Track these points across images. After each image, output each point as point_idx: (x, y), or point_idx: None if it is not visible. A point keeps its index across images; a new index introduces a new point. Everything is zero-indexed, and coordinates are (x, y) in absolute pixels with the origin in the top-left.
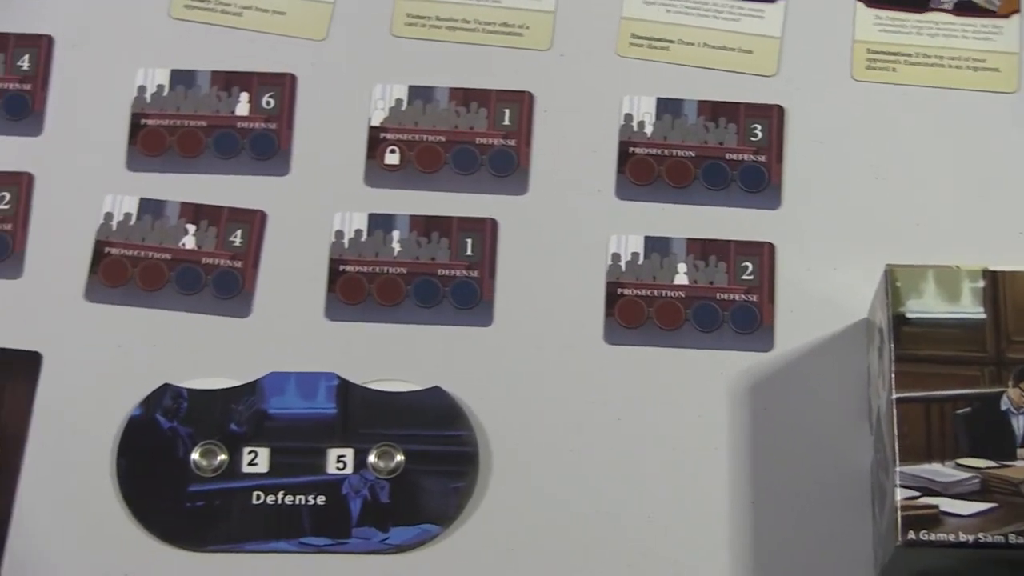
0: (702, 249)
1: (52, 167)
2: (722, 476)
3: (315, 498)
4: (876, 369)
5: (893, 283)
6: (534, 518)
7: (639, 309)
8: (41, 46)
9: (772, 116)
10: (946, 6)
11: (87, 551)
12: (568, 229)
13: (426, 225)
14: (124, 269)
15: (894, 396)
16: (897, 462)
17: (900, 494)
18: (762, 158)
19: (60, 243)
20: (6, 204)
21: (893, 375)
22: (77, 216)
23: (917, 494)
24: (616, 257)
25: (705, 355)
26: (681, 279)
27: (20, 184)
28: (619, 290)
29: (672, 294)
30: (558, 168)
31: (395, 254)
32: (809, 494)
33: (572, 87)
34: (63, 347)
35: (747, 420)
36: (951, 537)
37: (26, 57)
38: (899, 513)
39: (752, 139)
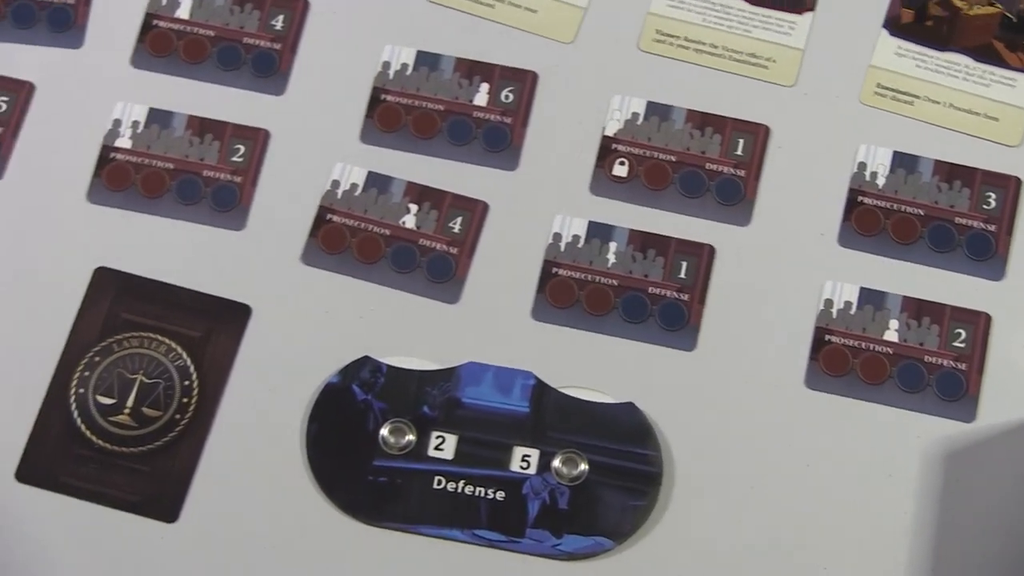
0: (917, 309)
1: (289, 128)
2: (905, 541)
3: (495, 493)
4: None
5: None
6: (708, 548)
7: (844, 358)
8: (296, 9)
9: (1009, 187)
10: None
11: (265, 509)
12: (784, 267)
13: (644, 241)
14: (343, 237)
15: None
16: None
17: None
18: (992, 227)
19: (285, 202)
20: (239, 157)
21: None
22: (305, 179)
23: None
24: (829, 303)
25: (904, 415)
26: (891, 335)
27: (256, 139)
28: (827, 336)
29: (880, 349)
30: (783, 205)
31: (609, 265)
32: (992, 575)
33: (810, 127)
34: (273, 304)
35: (938, 488)
36: None
37: (280, 17)
38: None
39: (985, 207)
